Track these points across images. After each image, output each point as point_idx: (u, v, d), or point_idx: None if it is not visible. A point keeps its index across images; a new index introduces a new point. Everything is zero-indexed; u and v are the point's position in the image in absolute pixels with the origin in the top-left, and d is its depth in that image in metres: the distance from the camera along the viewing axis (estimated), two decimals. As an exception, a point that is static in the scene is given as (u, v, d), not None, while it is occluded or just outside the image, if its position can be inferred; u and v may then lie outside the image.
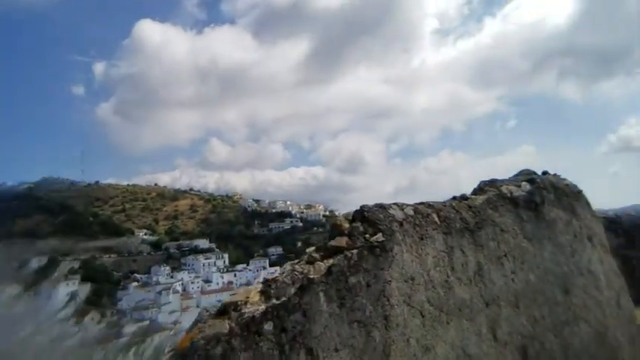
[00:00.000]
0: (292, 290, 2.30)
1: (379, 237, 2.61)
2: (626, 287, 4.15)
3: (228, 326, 2.11)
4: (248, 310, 2.21)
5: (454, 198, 3.30)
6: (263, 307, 2.24)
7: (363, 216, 2.73)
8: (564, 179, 3.90)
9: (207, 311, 2.41)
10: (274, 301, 2.27)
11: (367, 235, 2.62)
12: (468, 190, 3.50)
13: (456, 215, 3.03)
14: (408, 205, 2.91)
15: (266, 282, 2.45)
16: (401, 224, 2.73)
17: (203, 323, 2.25)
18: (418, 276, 2.67)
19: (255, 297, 2.39)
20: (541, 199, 3.50)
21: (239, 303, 2.30)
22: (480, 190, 3.47)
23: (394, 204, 2.89)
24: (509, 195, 3.38)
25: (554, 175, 3.89)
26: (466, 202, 3.22)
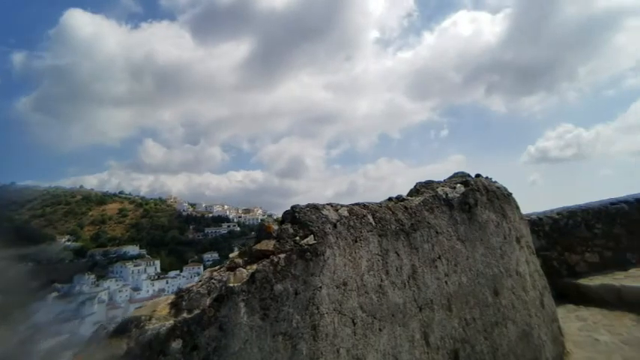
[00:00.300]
0: (208, 301, 2.01)
1: (310, 240, 2.39)
2: (548, 287, 4.30)
3: (125, 346, 1.77)
4: (152, 326, 1.88)
5: (390, 199, 3.19)
6: (171, 321, 1.92)
7: (293, 217, 2.50)
8: (495, 182, 3.96)
9: (104, 329, 2.04)
10: (185, 314, 1.96)
11: (297, 238, 2.39)
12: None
13: (391, 217, 2.90)
14: (342, 206, 2.73)
15: (179, 292, 2.14)
16: (334, 226, 2.54)
17: (97, 344, 1.89)
18: (351, 281, 2.48)
19: (163, 310, 2.06)
20: (474, 201, 3.50)
21: (142, 318, 1.96)
22: (416, 191, 3.39)
23: (328, 204, 2.70)
24: (444, 196, 3.33)
25: (487, 178, 3.93)
26: (402, 203, 3.11)
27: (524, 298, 3.67)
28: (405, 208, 3.05)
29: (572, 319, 4.82)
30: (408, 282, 2.80)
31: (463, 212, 3.39)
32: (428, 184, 3.42)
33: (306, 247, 2.33)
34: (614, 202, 6.57)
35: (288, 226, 2.44)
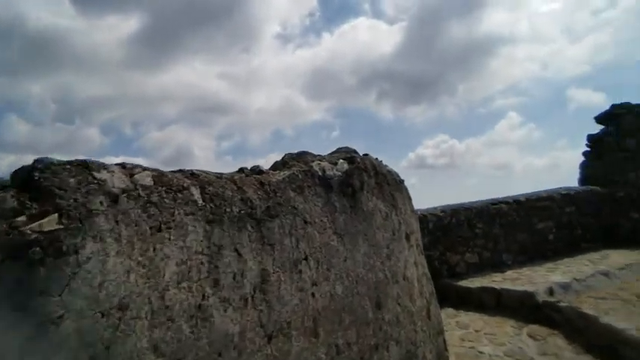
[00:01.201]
0: None
1: (49, 223, 1.23)
2: (435, 293, 3.70)
3: None
4: None
5: (241, 170, 2.15)
6: None
7: (30, 178, 1.31)
8: (386, 165, 3.20)
9: None
10: None
11: (22, 219, 1.21)
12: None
13: (234, 194, 1.87)
14: (146, 169, 1.61)
15: None
16: (115, 200, 1.40)
17: None
18: (138, 301, 1.38)
19: None
20: (360, 183, 2.65)
21: None
22: (282, 164, 2.42)
23: (119, 164, 1.56)
24: (321, 174, 2.42)
25: (376, 159, 3.14)
26: (258, 176, 2.10)
27: (411, 309, 2.96)
28: (261, 184, 2.04)
29: (453, 327, 4.37)
30: (253, 297, 1.80)
31: (345, 197, 2.52)
32: (300, 156, 2.47)
33: (33, 237, 1.17)
34: (494, 202, 6.50)
35: (8, 194, 1.24)
